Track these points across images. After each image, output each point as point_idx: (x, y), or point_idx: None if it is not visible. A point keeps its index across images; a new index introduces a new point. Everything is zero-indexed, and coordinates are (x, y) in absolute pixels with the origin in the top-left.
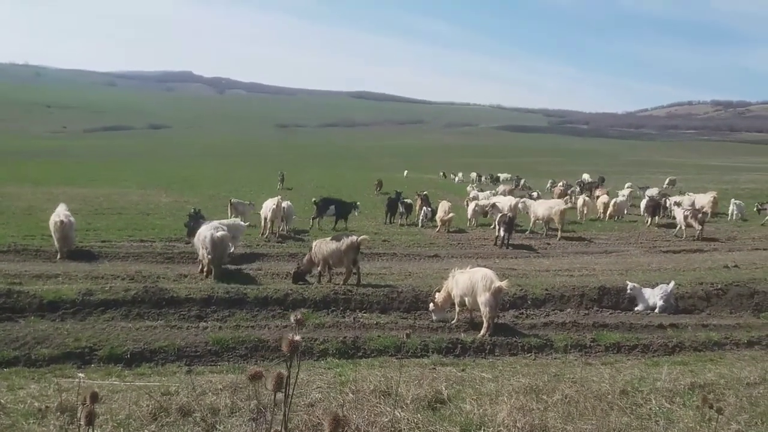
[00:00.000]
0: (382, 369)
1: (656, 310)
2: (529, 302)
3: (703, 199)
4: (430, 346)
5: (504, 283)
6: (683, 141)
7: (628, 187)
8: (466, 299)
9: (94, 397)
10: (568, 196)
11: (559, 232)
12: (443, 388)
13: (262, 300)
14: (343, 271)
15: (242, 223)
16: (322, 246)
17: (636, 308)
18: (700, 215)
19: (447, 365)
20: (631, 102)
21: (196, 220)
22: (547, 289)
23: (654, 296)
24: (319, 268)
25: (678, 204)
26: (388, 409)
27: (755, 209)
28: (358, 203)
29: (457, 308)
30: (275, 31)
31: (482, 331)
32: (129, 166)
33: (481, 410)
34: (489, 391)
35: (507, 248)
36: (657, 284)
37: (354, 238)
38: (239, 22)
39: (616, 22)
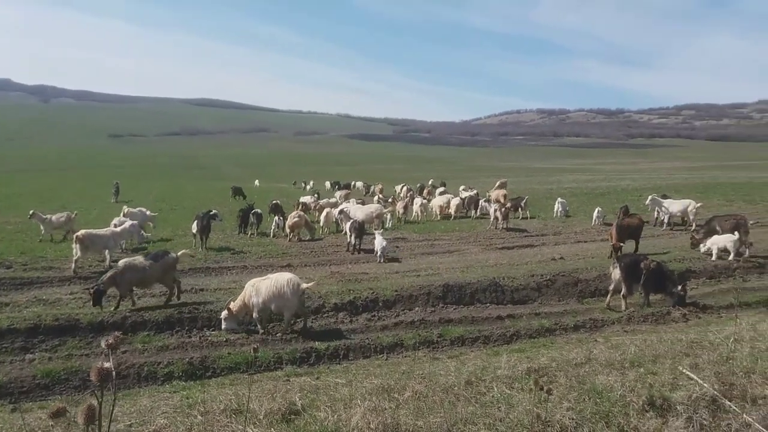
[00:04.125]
0: (233, 387)
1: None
2: (381, 304)
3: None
4: (284, 358)
5: (311, 284)
6: (514, 146)
7: (463, 190)
8: (272, 305)
9: None
10: (390, 199)
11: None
12: (297, 399)
13: (98, 325)
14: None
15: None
16: (133, 265)
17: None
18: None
19: (301, 375)
20: (468, 111)
21: None
22: (396, 291)
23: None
24: (121, 291)
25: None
26: (239, 427)
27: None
28: (214, 210)
29: (256, 316)
30: (107, 36)
31: (284, 326)
32: None
33: (335, 416)
34: (343, 396)
35: (359, 253)
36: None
37: (174, 255)
38: (66, 27)
39: (453, 35)
